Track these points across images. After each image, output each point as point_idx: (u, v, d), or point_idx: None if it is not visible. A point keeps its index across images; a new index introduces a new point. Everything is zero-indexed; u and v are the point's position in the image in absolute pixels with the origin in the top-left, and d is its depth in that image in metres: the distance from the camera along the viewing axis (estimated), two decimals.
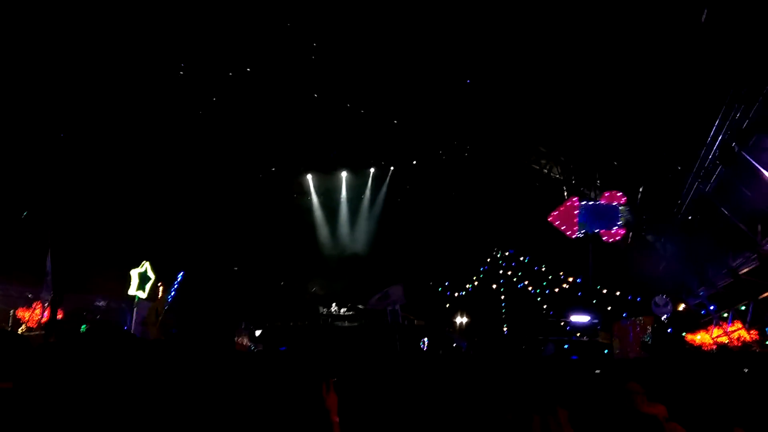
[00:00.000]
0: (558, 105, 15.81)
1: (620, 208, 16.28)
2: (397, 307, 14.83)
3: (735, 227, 12.09)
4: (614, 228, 16.34)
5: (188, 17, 14.25)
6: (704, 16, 9.61)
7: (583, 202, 16.90)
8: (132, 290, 18.81)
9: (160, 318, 16.69)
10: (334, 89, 17.88)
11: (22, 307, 16.49)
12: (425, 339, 17.63)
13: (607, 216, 16.44)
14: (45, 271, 14.40)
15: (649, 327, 15.27)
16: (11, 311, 16.75)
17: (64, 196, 16.98)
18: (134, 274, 18.89)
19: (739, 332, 13.56)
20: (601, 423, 2.35)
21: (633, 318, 16.33)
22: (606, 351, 15.90)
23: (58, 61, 14.18)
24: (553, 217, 16.94)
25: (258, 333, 17.76)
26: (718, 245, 13.27)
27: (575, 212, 16.71)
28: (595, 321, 17.66)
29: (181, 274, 19.57)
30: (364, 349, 13.62)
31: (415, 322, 17.71)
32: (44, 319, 16.21)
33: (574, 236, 16.66)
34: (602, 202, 16.64)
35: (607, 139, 16.27)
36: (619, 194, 16.38)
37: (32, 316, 16.31)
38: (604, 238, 16.47)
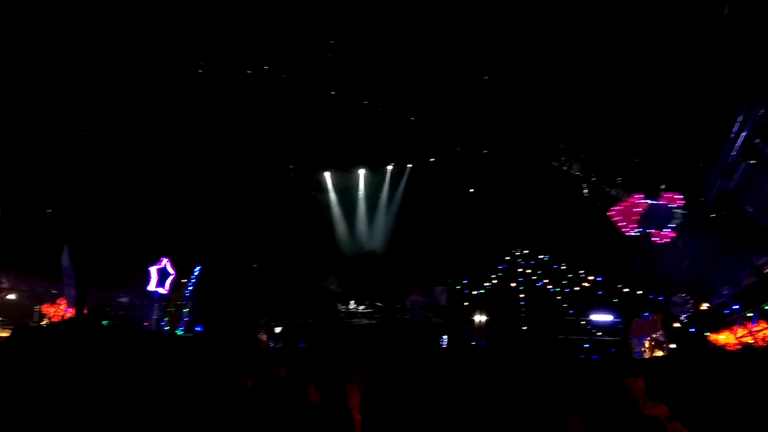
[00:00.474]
0: (578, 102, 15.62)
1: (675, 210, 16.07)
2: (417, 305, 14.93)
3: (759, 225, 11.85)
4: (666, 230, 16.19)
5: (207, 16, 14.44)
6: (726, 11, 9.43)
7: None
8: (152, 286, 19.22)
9: (177, 312, 17.03)
10: (352, 87, 17.95)
11: (47, 302, 17.01)
12: (445, 337, 17.66)
13: (661, 217, 16.28)
14: (62, 267, 14.72)
15: (659, 324, 15.08)
16: (36, 306, 17.28)
17: (85, 194, 17.38)
18: (153, 270, 19.31)
19: (764, 332, 13.29)
20: (606, 426, 2.38)
21: (650, 316, 16.16)
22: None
23: (76, 59, 14.44)
24: (614, 212, 16.72)
25: (277, 330, 17.99)
26: (742, 243, 13.01)
27: (636, 210, 16.47)
28: (618, 320, 17.47)
29: (198, 268, 19.81)
30: (383, 347, 13.71)
31: (434, 320, 17.72)
32: (68, 315, 16.67)
33: (629, 233, 16.49)
34: (661, 202, 16.42)
35: (628, 136, 16.04)
36: (678, 197, 16.13)
37: (57, 311, 16.79)
38: (654, 239, 16.25)
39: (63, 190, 17.33)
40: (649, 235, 15.96)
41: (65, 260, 16.08)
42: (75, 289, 16.15)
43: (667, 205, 15.76)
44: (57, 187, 17.23)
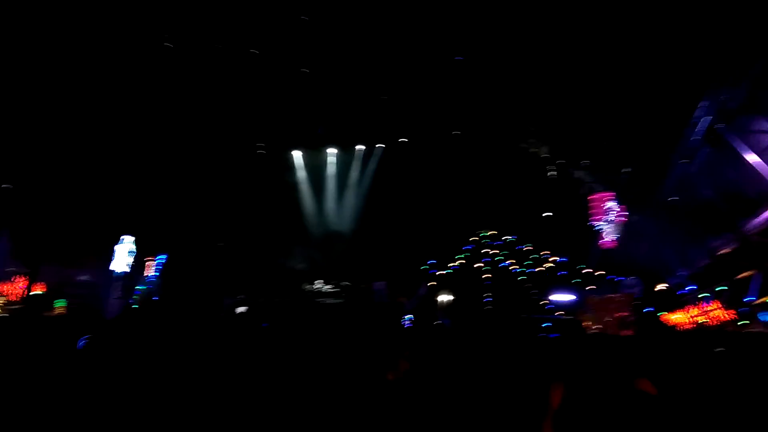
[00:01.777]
0: (547, 86, 15.72)
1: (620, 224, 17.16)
2: (383, 286, 15.03)
3: (716, 209, 12.21)
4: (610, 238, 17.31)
5: None
6: None
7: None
8: (115, 265, 18.75)
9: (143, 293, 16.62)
10: (324, 65, 17.57)
11: (4, 281, 16.33)
12: (409, 316, 17.75)
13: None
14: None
15: (626, 304, 15.56)
16: None
17: (42, 170, 16.63)
18: (118, 249, 18.82)
19: (716, 312, 13.82)
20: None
21: (609, 294, 16.65)
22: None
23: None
24: (593, 198, 17.63)
25: (240, 310, 17.73)
26: (699, 226, 13.41)
27: (604, 205, 17.37)
28: (577, 300, 17.91)
29: (165, 256, 19.52)
30: (348, 327, 13.65)
31: (398, 299, 17.78)
32: (25, 293, 16.10)
33: (594, 222, 17.34)
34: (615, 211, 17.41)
35: (594, 120, 16.27)
36: (609, 197, 17.20)
37: (13, 290, 16.15)
38: (602, 241, 17.29)
39: (21, 165, 16.52)
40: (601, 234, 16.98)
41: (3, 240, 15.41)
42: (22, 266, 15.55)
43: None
44: (16, 162, 16.42)
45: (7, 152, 15.74)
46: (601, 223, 17.34)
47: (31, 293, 16.16)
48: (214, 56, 16.74)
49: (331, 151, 22.95)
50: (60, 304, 16.08)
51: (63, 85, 15.73)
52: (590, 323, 16.16)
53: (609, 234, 17.20)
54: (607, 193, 17.53)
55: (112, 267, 18.60)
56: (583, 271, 18.67)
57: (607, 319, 15.98)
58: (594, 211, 17.52)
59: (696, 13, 10.05)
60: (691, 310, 14.95)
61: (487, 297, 19.79)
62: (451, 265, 21.07)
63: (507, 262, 20.20)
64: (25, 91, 15.35)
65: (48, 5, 13.65)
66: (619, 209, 17.25)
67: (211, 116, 18.59)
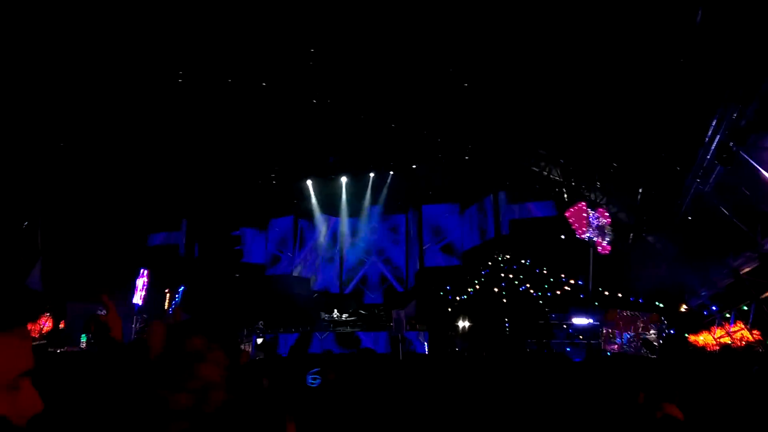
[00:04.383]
0: (556, 107, 15.83)
1: (606, 226, 17.02)
2: (402, 314, 14.95)
3: (735, 227, 12.07)
4: (604, 242, 17.13)
5: (188, 21, 14.27)
6: (699, 17, 9.63)
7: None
8: (136, 299, 19.08)
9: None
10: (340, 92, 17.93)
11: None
12: (425, 343, 17.63)
13: (601, 230, 17.19)
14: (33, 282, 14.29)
15: (653, 325, 15.30)
16: None
17: (60, 205, 17.05)
18: (138, 283, 19.16)
19: (741, 332, 13.53)
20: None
21: (635, 312, 16.42)
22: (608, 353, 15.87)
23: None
24: (568, 214, 17.48)
25: (259, 341, 17.74)
26: (719, 245, 13.24)
27: (584, 214, 17.23)
28: (597, 323, 17.62)
29: (182, 288, 19.77)
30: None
31: (417, 327, 17.68)
32: (45, 329, 16.30)
33: (582, 236, 17.13)
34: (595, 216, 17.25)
35: (606, 141, 16.29)
36: (604, 213, 17.07)
37: (36, 327, 16.41)
38: (598, 249, 17.09)
39: (36, 201, 16.96)
40: (595, 244, 16.80)
41: (35, 275, 15.70)
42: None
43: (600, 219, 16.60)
44: (33, 199, 16.86)
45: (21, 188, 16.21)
46: (588, 233, 17.23)
47: (51, 329, 16.39)
48: (223, 90, 17.14)
49: (344, 180, 23.25)
50: (85, 339, 16.31)
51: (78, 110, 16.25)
52: (609, 337, 15.96)
53: (602, 240, 17.02)
54: (580, 203, 17.46)
55: (134, 300, 18.89)
56: (605, 294, 18.43)
57: (630, 335, 15.80)
58: (575, 225, 17.40)
59: (705, 30, 10.16)
60: (715, 330, 14.66)
61: (506, 322, 19.58)
62: (469, 289, 20.96)
63: (525, 286, 20.00)
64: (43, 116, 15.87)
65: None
66: (597, 212, 17.13)
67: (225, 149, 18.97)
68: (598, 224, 16.98)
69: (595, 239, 17.00)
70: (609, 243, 16.81)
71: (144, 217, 19.55)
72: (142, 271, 19.46)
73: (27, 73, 14.00)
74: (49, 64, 14.00)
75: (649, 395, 2.48)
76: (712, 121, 11.10)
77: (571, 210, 17.47)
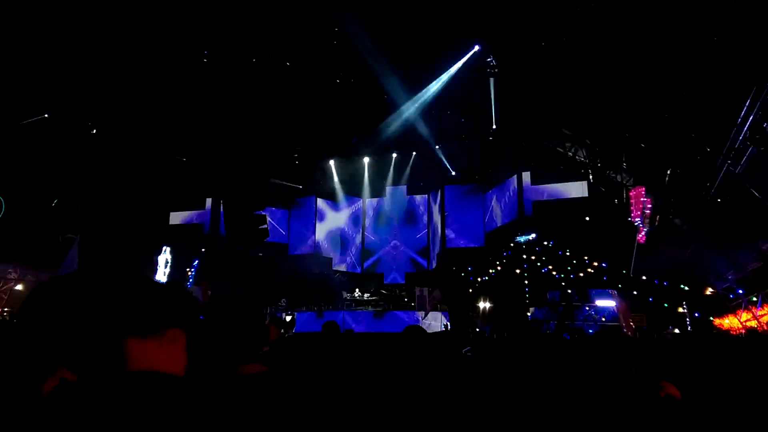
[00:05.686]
0: (582, 86, 15.56)
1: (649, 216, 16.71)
2: (426, 292, 15.13)
3: (766, 210, 11.82)
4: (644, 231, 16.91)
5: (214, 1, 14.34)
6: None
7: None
8: (159, 275, 19.61)
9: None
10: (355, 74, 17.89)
11: None
12: (447, 324, 17.77)
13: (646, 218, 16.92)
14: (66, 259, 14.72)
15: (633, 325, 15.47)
16: None
17: (89, 185, 17.56)
18: (160, 259, 19.70)
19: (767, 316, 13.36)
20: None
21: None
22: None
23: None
24: (632, 194, 17.22)
25: (288, 319, 18.16)
26: (748, 228, 12.99)
27: (642, 198, 16.97)
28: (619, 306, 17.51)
29: (196, 261, 20.22)
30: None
31: (438, 307, 17.81)
32: None
33: (634, 220, 16.98)
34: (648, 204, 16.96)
35: (634, 121, 15.99)
36: (649, 204, 16.67)
37: None
38: (639, 236, 16.84)
39: (69, 180, 17.48)
40: (638, 230, 16.57)
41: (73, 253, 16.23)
42: None
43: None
44: (63, 178, 17.37)
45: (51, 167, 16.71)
46: (639, 218, 16.96)
47: None
48: (248, 70, 17.22)
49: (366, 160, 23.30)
50: None
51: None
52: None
53: (644, 228, 16.82)
54: (640, 188, 17.10)
55: (156, 277, 19.42)
56: (629, 276, 18.25)
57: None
58: (633, 207, 17.11)
59: (739, 10, 9.86)
60: (742, 314, 14.48)
61: (527, 303, 19.58)
62: (491, 270, 20.97)
63: (547, 268, 19.90)
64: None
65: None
66: (648, 201, 16.83)
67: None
68: (647, 212, 16.75)
69: (640, 226, 16.82)
70: (646, 234, 16.61)
71: (167, 195, 20.02)
72: (164, 248, 19.99)
73: (53, 58, 14.31)
74: (77, 46, 14.26)
75: (640, 371, 2.50)
76: (746, 101, 10.82)
77: (633, 192, 17.26)
